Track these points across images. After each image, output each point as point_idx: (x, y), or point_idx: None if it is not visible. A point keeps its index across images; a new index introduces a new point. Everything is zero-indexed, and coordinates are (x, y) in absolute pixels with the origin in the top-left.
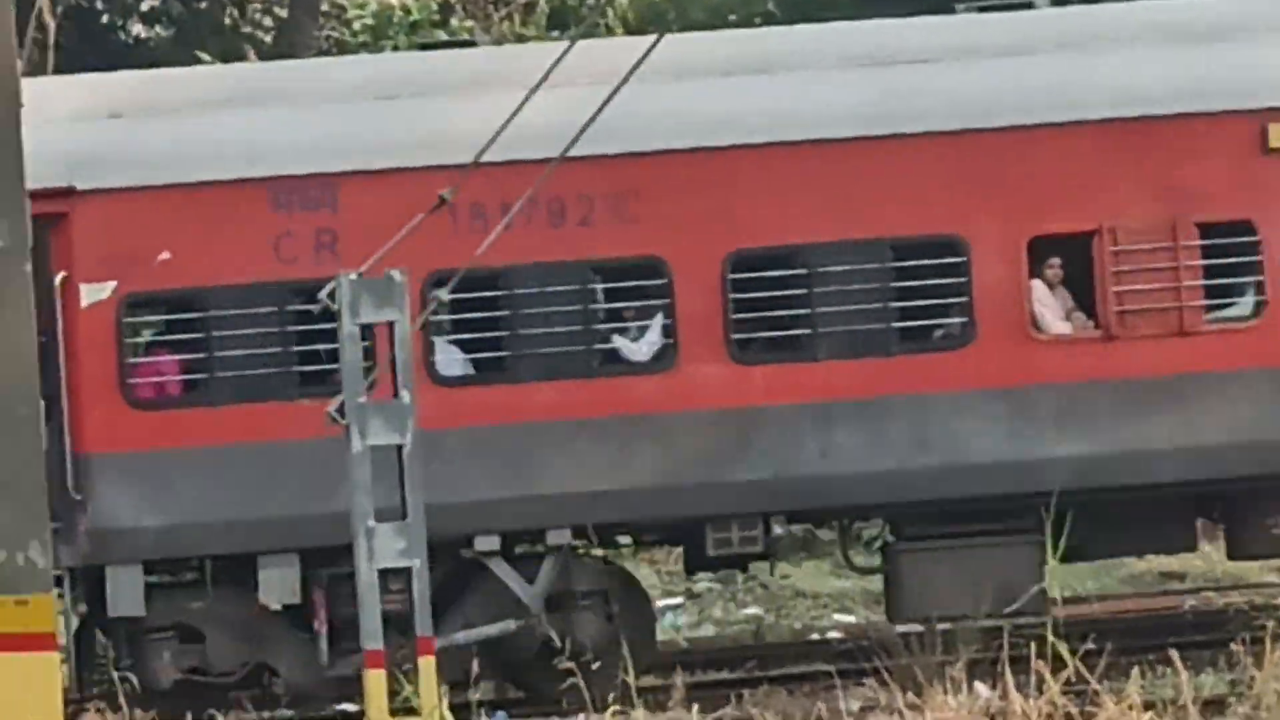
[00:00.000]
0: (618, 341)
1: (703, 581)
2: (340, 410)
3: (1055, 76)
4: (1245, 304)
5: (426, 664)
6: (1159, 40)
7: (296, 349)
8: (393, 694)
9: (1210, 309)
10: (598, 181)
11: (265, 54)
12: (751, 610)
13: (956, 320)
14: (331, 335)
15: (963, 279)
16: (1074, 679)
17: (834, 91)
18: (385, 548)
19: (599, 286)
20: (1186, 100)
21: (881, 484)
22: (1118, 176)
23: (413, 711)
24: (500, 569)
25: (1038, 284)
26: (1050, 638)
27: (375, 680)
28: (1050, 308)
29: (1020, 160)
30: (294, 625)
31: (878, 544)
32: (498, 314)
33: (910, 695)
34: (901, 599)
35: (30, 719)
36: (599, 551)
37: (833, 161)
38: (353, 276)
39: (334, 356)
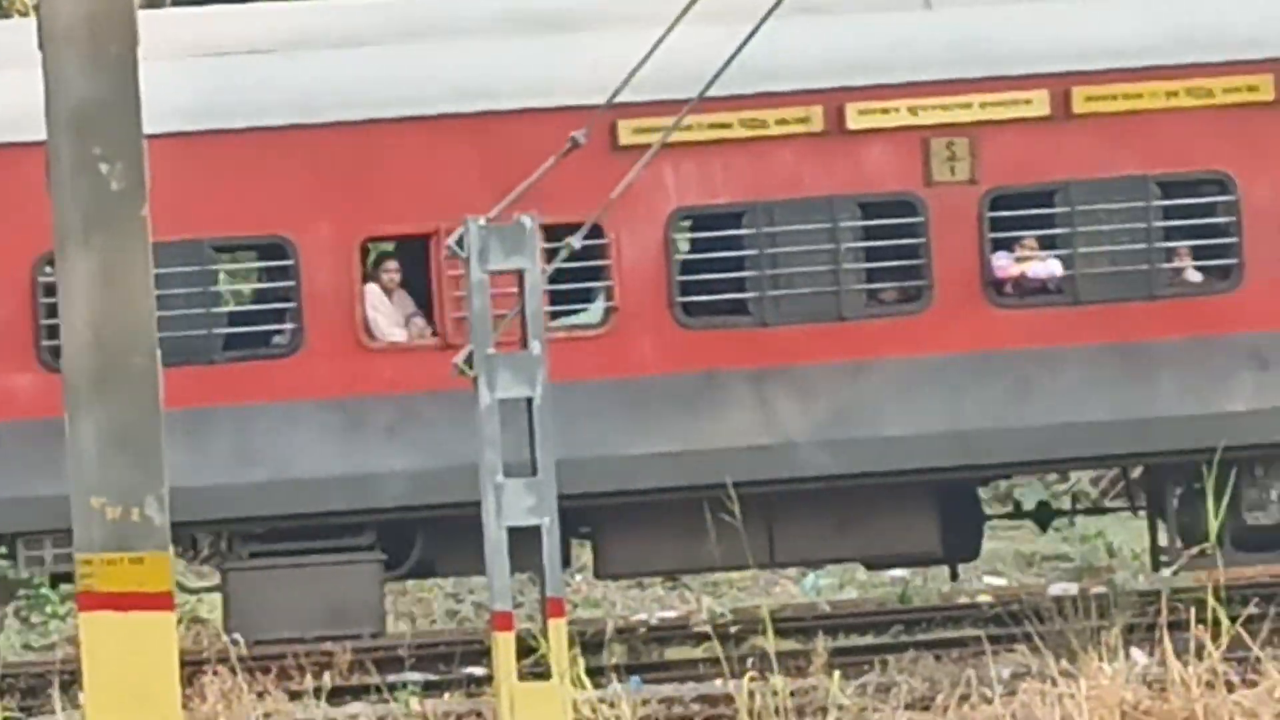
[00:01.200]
0: None
1: None
2: (468, 361)
3: (393, 69)
4: (595, 310)
5: (556, 626)
6: (506, 31)
7: None
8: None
9: (560, 315)
10: None
11: None
12: (897, 572)
13: (286, 326)
14: None
15: (290, 283)
16: (1235, 645)
17: (158, 83)
18: (514, 505)
19: None
20: (530, 95)
21: (207, 500)
22: (458, 176)
23: (543, 675)
24: None
25: (372, 288)
26: (1211, 602)
27: (504, 643)
28: (385, 314)
29: (354, 158)
30: None
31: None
32: None
33: (1064, 662)
34: (238, 619)
35: (147, 680)
36: None
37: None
38: (481, 222)
39: None
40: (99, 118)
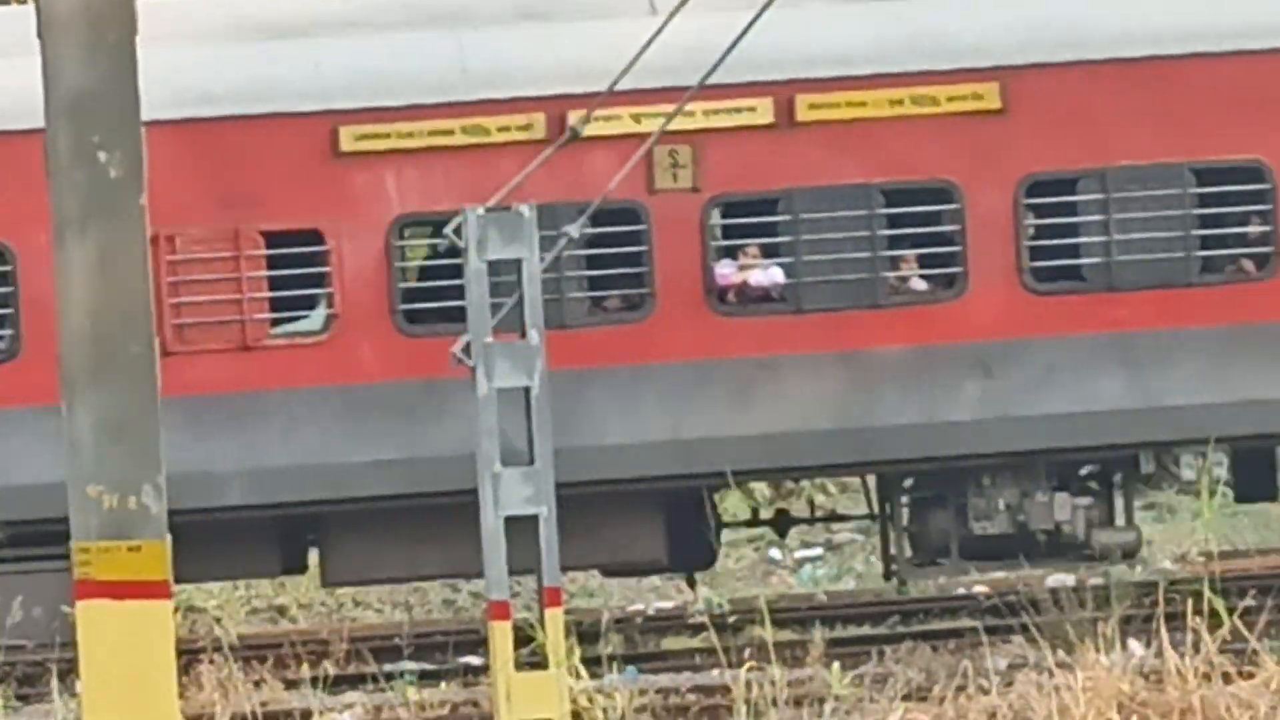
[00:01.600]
0: None
1: (843, 533)
2: (466, 350)
3: None
4: (316, 317)
5: (553, 616)
6: (225, 37)
7: None
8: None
9: (281, 322)
10: None
11: None
12: None
13: (4, 333)
14: None
15: (9, 289)
16: (1232, 637)
17: None
18: (511, 494)
19: None
20: (251, 101)
21: None
22: (179, 181)
23: (540, 665)
24: None
25: None
26: (1207, 594)
27: (501, 632)
28: None
29: None
30: None
31: None
32: None
33: (1060, 653)
34: None
35: (144, 668)
36: None
37: None
38: (480, 211)
39: None
40: (97, 106)
